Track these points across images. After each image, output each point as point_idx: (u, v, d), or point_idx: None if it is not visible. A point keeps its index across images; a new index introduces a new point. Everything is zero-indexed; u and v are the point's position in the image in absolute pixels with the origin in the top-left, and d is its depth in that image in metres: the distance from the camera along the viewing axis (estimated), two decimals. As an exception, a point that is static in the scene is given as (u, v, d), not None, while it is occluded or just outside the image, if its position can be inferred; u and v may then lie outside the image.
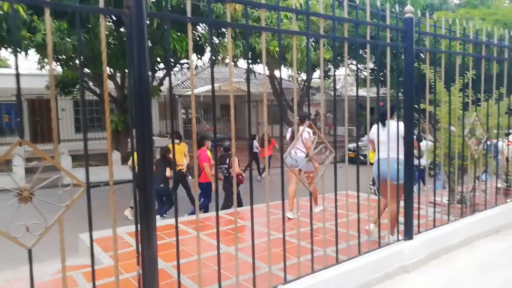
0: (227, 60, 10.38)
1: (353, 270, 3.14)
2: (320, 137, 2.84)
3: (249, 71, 2.76)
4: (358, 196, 3.27)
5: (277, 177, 2.89)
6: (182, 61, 12.34)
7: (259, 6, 2.51)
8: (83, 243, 4.45)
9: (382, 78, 10.62)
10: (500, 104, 5.18)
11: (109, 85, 12.02)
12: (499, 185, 5.34)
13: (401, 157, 3.58)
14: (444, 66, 4.03)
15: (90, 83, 12.43)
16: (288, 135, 5.33)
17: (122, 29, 10.22)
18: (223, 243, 3.61)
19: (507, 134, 5.53)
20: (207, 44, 10.12)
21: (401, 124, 3.65)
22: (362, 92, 10.78)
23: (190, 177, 8.30)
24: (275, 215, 4.52)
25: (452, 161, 4.57)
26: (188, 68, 12.30)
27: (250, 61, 12.66)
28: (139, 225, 1.98)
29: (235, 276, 2.53)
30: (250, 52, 10.73)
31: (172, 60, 11.31)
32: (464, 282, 3.45)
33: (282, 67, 12.79)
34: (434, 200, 4.12)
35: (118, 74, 12.58)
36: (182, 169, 7.94)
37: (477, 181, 4.76)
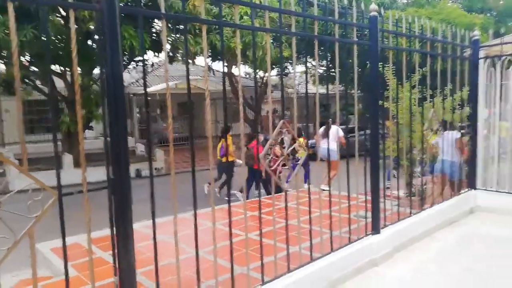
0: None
1: (326, 266, 3.18)
2: (294, 136, 2.84)
3: (223, 73, 2.71)
4: (329, 192, 3.31)
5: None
6: (136, 59, 11.95)
7: (233, 2, 2.45)
8: (40, 254, 4.16)
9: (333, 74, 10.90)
10: (454, 98, 5.48)
11: (59, 84, 11.39)
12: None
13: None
14: (405, 63, 4.18)
15: (38, 82, 11.67)
16: (320, 131, 5.93)
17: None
18: (191, 247, 3.51)
19: (462, 128, 5.87)
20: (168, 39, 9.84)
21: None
22: (321, 89, 11.00)
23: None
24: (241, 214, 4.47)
25: (410, 155, 4.78)
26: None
27: (210, 57, 12.50)
28: (115, 232, 1.86)
29: (211, 279, 2.46)
30: (210, 50, 10.59)
31: (126, 57, 10.93)
32: (429, 271, 3.61)
33: (242, 64, 12.75)
34: (398, 194, 4.28)
35: (68, 72, 11.92)
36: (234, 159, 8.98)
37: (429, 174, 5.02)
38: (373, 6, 3.60)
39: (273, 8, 2.79)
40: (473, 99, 5.37)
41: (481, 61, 5.32)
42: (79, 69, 1.83)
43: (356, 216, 3.84)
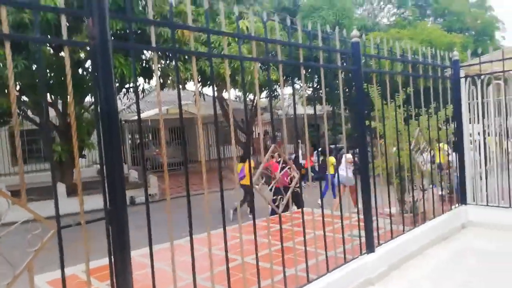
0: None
1: (323, 287, 3.20)
2: (285, 159, 2.91)
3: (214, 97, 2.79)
4: (322, 212, 3.36)
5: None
6: (127, 86, 12.08)
7: (222, 34, 2.56)
8: None
9: (326, 96, 11.11)
10: (438, 116, 5.64)
11: (51, 113, 11.41)
12: (442, 193, 5.77)
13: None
14: (388, 84, 4.33)
15: (29, 112, 11.69)
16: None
17: (62, 54, 9.83)
18: (188, 273, 3.52)
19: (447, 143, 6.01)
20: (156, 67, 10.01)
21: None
22: (309, 110, 11.20)
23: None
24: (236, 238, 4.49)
25: (401, 173, 4.88)
26: (134, 92, 12.06)
27: (200, 83, 12.68)
28: (113, 263, 1.89)
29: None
30: (200, 75, 10.77)
31: (117, 84, 11.04)
32: (424, 288, 3.65)
33: (232, 89, 12.94)
34: (390, 211, 4.34)
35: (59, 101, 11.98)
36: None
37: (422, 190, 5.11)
38: (355, 32, 3.76)
39: (260, 38, 2.92)
40: (457, 116, 5.53)
41: (462, 80, 5.52)
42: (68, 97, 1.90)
43: (350, 236, 3.88)
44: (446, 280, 3.79)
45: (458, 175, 5.70)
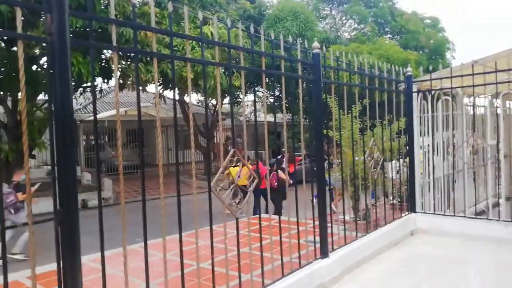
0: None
1: (278, 292, 3.24)
2: (245, 164, 2.94)
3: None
4: (279, 218, 3.42)
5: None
6: (84, 85, 11.63)
7: (185, 37, 2.56)
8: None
9: (287, 105, 11.35)
10: (392, 127, 5.93)
11: (-1, 109, 10.73)
12: (393, 201, 6.05)
13: None
14: (345, 95, 4.50)
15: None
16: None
17: (14, 49, 9.31)
18: (141, 279, 3.44)
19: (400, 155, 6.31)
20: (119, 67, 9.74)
21: None
22: (270, 118, 11.38)
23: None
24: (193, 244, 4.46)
25: (356, 181, 5.06)
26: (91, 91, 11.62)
27: (161, 86, 12.47)
28: (61, 265, 1.81)
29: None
30: (161, 78, 10.60)
31: (74, 83, 10.62)
32: (374, 292, 3.80)
33: (194, 93, 12.84)
34: (344, 218, 4.49)
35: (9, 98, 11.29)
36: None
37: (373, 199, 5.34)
38: (316, 44, 3.89)
39: (223, 44, 2.94)
40: (409, 129, 5.84)
41: (414, 94, 5.84)
42: (18, 94, 1.81)
43: (306, 242, 3.96)
44: (396, 282, 3.97)
45: (408, 184, 6.00)
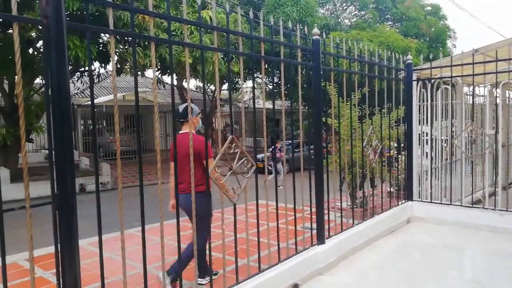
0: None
1: (274, 276, 3.28)
2: (242, 150, 2.93)
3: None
4: (277, 205, 3.43)
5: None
6: (81, 69, 11.53)
7: (183, 21, 2.53)
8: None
9: (286, 92, 11.30)
10: (390, 116, 5.93)
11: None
12: (391, 189, 6.08)
13: None
14: (345, 83, 4.48)
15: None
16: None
17: (10, 31, 9.18)
18: (138, 262, 3.48)
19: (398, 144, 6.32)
20: (116, 51, 9.65)
21: None
22: (268, 104, 11.33)
23: None
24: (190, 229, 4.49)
25: (353, 169, 5.07)
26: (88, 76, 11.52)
27: (159, 71, 12.36)
28: (59, 250, 1.82)
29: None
30: (159, 63, 10.50)
31: (71, 67, 10.52)
32: (370, 277, 3.84)
33: (192, 78, 12.74)
34: (341, 205, 4.52)
35: (5, 81, 11.19)
36: None
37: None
38: (316, 30, 3.84)
39: (222, 29, 2.90)
40: (408, 118, 5.83)
41: (414, 83, 5.82)
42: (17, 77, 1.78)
43: (303, 228, 4.00)
44: (391, 268, 4.02)
45: (405, 172, 6.03)
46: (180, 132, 3.64)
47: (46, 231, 2.00)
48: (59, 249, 1.83)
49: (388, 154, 5.81)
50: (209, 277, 3.24)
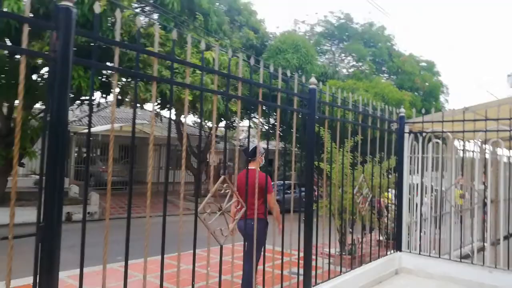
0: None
1: (256, 323, 3.19)
2: (233, 191, 2.95)
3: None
4: (264, 248, 3.40)
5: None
6: (82, 98, 11.68)
7: (186, 64, 2.64)
8: None
9: (281, 134, 11.48)
10: (382, 165, 6.01)
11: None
12: (380, 238, 6.04)
13: None
14: (339, 130, 4.59)
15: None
16: None
17: (17, 56, 9.39)
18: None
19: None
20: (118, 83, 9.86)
21: None
22: (263, 145, 11.46)
23: None
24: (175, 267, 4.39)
25: (343, 215, 5.08)
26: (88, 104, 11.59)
27: (159, 105, 12.54)
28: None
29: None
30: (160, 97, 10.69)
31: (72, 95, 10.68)
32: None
33: (191, 114, 12.92)
34: (329, 252, 4.47)
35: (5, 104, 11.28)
36: None
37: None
38: (313, 79, 4.00)
39: (222, 73, 3.02)
40: (399, 168, 5.92)
41: (406, 135, 5.96)
42: (17, 102, 1.84)
43: (289, 273, 3.93)
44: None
45: (395, 222, 6.02)
46: (248, 168, 3.98)
47: (28, 260, 1.97)
48: (37, 282, 1.80)
49: (381, 204, 5.83)
50: None
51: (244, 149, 4.00)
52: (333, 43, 23.08)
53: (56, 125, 1.90)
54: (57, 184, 1.88)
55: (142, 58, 8.41)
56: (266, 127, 18.30)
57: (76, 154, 20.47)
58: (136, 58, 2.34)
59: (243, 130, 18.11)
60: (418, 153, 6.01)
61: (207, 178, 18.59)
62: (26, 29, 1.75)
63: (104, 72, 10.24)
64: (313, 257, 4.02)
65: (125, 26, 8.83)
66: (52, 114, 1.89)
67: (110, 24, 8.89)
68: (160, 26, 10.73)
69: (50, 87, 1.89)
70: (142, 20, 10.63)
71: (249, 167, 3.90)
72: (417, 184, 6.22)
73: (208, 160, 18.06)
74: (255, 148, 4.27)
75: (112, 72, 2.18)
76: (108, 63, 5.86)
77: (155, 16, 12.13)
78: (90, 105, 2.37)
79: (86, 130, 2.17)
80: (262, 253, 3.49)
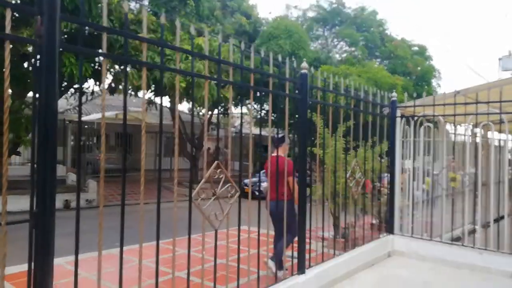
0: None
1: (251, 305, 3.26)
2: (227, 176, 2.98)
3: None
4: (258, 232, 3.45)
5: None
6: (75, 86, 11.57)
7: (176, 49, 2.63)
8: None
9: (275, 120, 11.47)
10: (374, 150, 6.06)
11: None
12: (373, 221, 6.14)
13: None
14: (331, 115, 4.61)
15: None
16: None
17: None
18: (115, 284, 3.42)
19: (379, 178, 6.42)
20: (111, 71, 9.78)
21: None
22: (257, 131, 11.47)
23: None
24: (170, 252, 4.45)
25: (336, 199, 5.14)
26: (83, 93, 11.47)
27: (153, 93, 12.46)
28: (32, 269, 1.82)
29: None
30: (153, 84, 10.63)
31: (65, 83, 10.60)
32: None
33: (185, 101, 12.86)
34: (323, 235, 4.55)
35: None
36: None
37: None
38: (304, 64, 4.00)
39: (213, 58, 3.02)
40: (391, 152, 5.97)
41: (398, 119, 5.99)
42: (10, 91, 1.84)
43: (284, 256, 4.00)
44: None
45: (388, 206, 6.10)
46: (273, 154, 4.34)
47: (23, 247, 2.00)
48: (32, 268, 1.83)
49: (375, 187, 5.90)
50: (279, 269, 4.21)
51: (272, 136, 4.33)
52: (325, 28, 22.93)
53: (45, 112, 1.90)
54: (48, 170, 1.89)
55: (134, 44, 8.33)
56: (261, 114, 18.28)
57: (73, 143, 20.38)
58: (125, 43, 2.33)
59: (237, 117, 18.08)
60: (410, 137, 6.06)
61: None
62: (9, 13, 1.74)
63: (96, 59, 10.13)
64: (307, 240, 4.09)
65: (115, 12, 8.70)
66: (41, 101, 1.89)
67: (100, 11, 8.76)
68: (150, 12, 10.59)
69: (37, 73, 1.89)
70: (132, 6, 10.48)
71: (277, 154, 4.28)
72: (418, 167, 6.29)
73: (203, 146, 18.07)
74: (283, 136, 4.62)
75: (102, 58, 2.17)
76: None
77: (146, 2, 11.96)
78: (80, 92, 2.36)
79: (82, 118, 2.18)
80: (295, 230, 4.03)
